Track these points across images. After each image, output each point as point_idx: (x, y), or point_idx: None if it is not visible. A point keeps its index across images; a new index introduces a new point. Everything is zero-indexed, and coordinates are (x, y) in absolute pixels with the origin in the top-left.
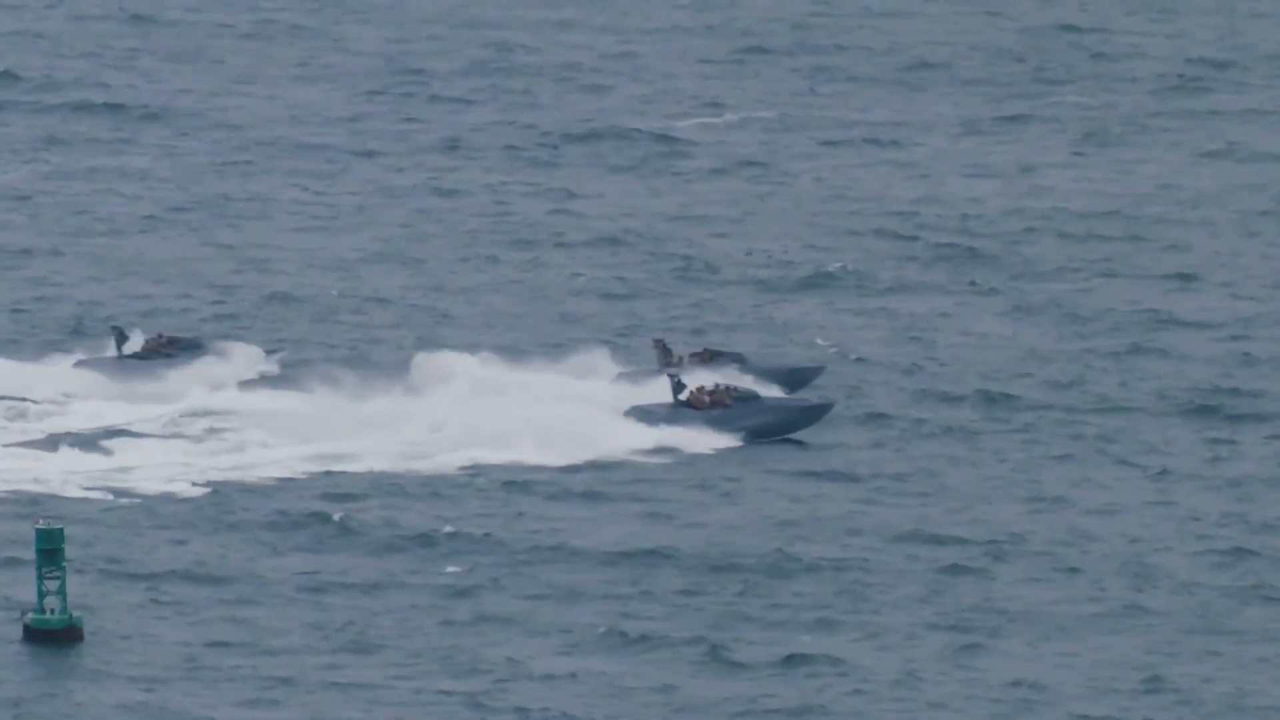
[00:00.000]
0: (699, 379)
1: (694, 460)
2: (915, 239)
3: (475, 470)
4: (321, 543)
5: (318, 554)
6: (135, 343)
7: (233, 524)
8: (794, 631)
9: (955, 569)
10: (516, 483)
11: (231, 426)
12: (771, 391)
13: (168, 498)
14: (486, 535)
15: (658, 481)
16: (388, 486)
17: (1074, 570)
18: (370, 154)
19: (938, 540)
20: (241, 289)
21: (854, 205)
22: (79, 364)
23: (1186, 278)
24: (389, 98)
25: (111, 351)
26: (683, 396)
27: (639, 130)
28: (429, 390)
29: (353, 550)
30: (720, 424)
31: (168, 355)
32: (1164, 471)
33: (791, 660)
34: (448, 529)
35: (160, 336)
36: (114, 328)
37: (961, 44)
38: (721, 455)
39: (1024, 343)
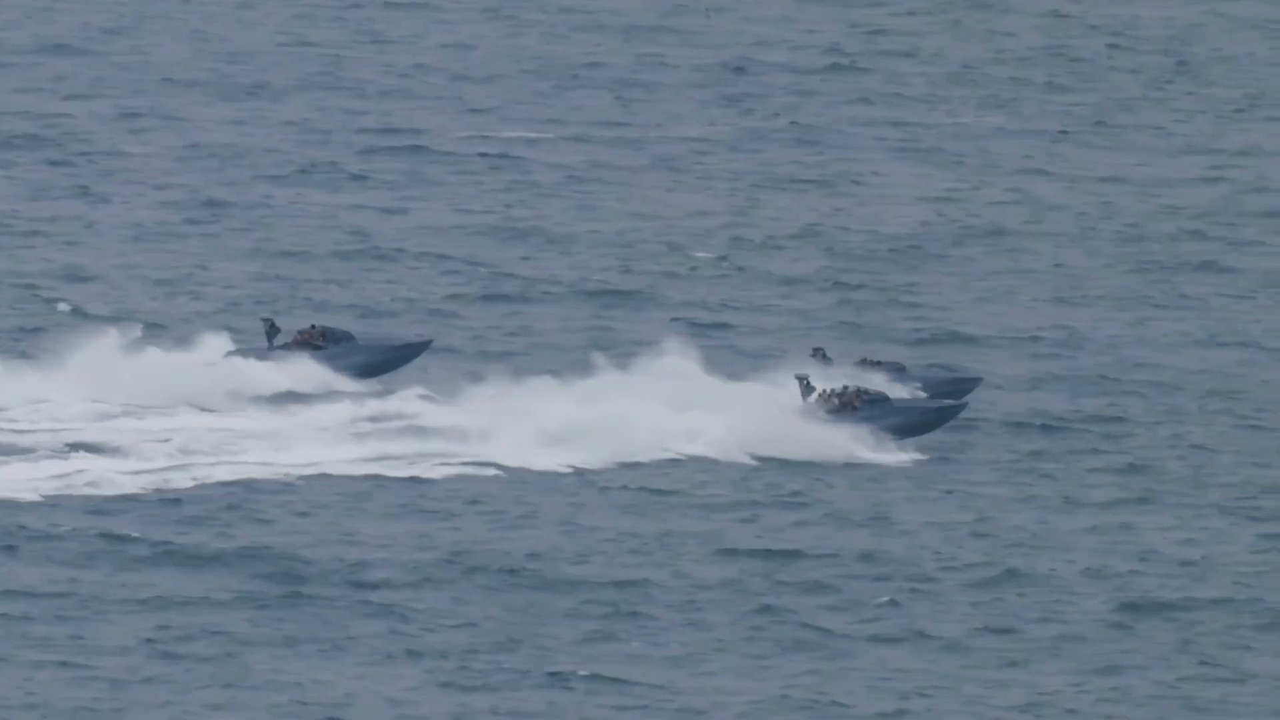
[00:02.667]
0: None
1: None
2: (723, 257)
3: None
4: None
5: None
6: (286, 335)
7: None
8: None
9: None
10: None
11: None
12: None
13: None
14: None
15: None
16: None
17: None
18: None
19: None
20: None
21: (658, 223)
22: (229, 354)
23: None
24: None
25: (262, 343)
26: (811, 398)
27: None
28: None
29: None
30: (846, 427)
31: (316, 348)
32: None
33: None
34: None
35: (313, 328)
36: (264, 319)
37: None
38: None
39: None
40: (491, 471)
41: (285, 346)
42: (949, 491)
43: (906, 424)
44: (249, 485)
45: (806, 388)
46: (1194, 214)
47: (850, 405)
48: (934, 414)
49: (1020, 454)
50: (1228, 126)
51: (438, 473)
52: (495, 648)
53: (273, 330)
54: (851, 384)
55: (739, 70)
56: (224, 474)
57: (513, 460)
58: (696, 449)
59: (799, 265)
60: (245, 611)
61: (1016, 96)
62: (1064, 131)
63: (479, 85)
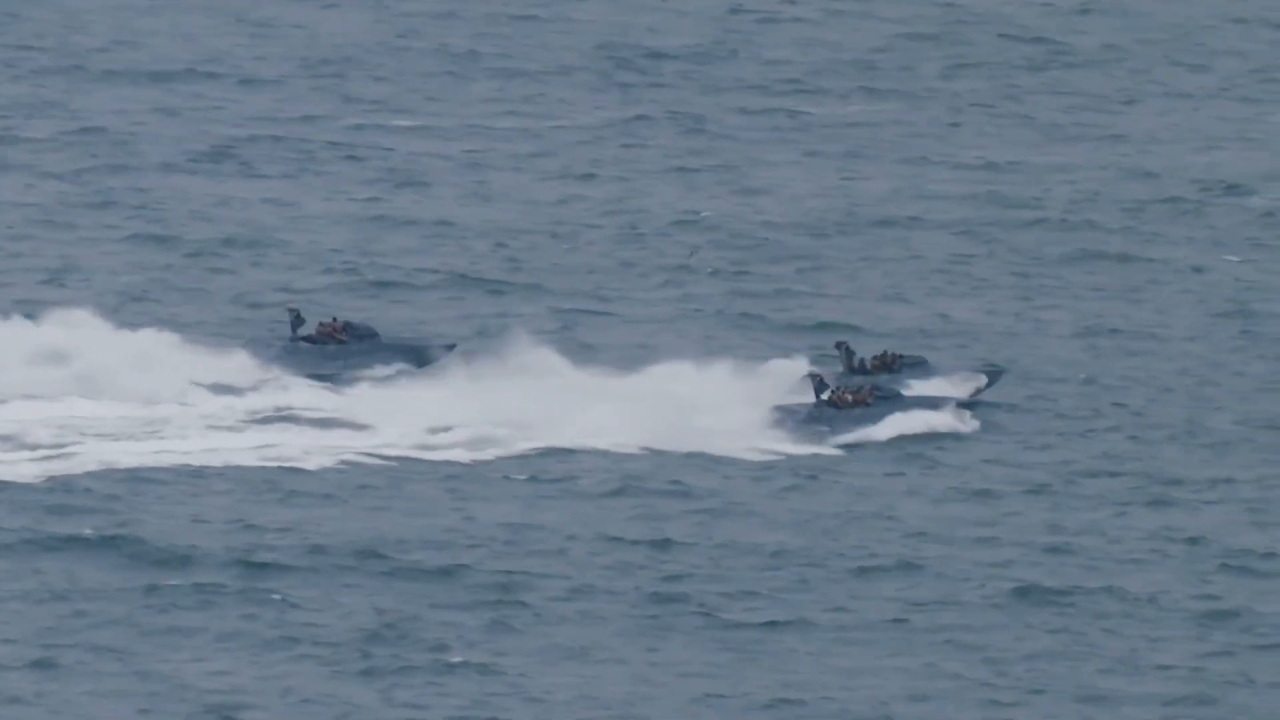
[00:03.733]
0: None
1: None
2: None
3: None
4: None
5: None
6: (310, 326)
7: None
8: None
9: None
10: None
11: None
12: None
13: None
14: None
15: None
16: None
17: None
18: None
19: None
20: None
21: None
22: (247, 343)
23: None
24: None
25: (286, 333)
26: (825, 396)
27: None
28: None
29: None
30: (859, 423)
31: (340, 341)
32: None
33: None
34: None
35: (334, 321)
36: (290, 309)
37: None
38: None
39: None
40: (380, 462)
41: (308, 338)
42: (837, 481)
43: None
44: (139, 474)
45: (820, 385)
46: (1082, 203)
47: (863, 402)
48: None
49: (910, 444)
50: (1116, 115)
51: (328, 462)
52: (385, 637)
53: (297, 320)
54: (867, 383)
55: (624, 58)
56: (115, 461)
57: (402, 451)
58: (586, 440)
59: (684, 255)
60: (132, 601)
61: (905, 86)
62: (954, 125)
63: (364, 74)
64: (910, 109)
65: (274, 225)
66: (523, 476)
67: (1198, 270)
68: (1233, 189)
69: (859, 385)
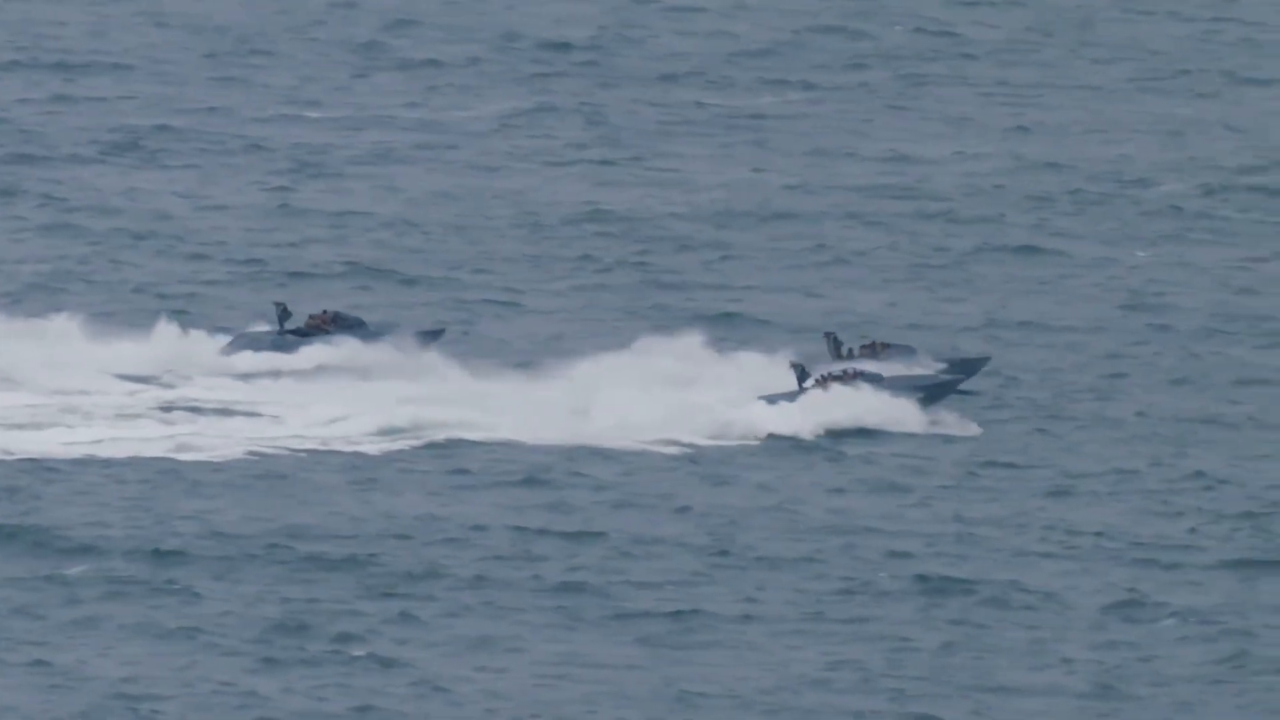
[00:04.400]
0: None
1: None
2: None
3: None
4: None
5: None
6: (299, 319)
7: None
8: None
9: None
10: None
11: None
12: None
13: None
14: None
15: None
16: None
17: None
18: None
19: None
20: None
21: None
22: (236, 338)
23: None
24: None
25: (274, 326)
26: (807, 384)
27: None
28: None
29: None
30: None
31: (328, 333)
32: None
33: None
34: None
35: (325, 313)
36: (276, 303)
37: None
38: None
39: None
40: (288, 452)
41: (297, 331)
42: (747, 474)
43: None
44: (43, 463)
45: (802, 373)
46: (988, 195)
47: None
48: (928, 390)
49: (817, 436)
50: (1023, 107)
51: (235, 452)
52: (289, 628)
53: (285, 314)
54: (851, 367)
55: (529, 49)
56: (20, 450)
57: (311, 442)
58: (496, 432)
59: (591, 246)
60: (35, 590)
61: (812, 77)
62: (868, 120)
63: (271, 65)
64: (817, 100)
65: (181, 215)
66: (431, 468)
67: (1104, 263)
68: (1139, 181)
69: (840, 370)
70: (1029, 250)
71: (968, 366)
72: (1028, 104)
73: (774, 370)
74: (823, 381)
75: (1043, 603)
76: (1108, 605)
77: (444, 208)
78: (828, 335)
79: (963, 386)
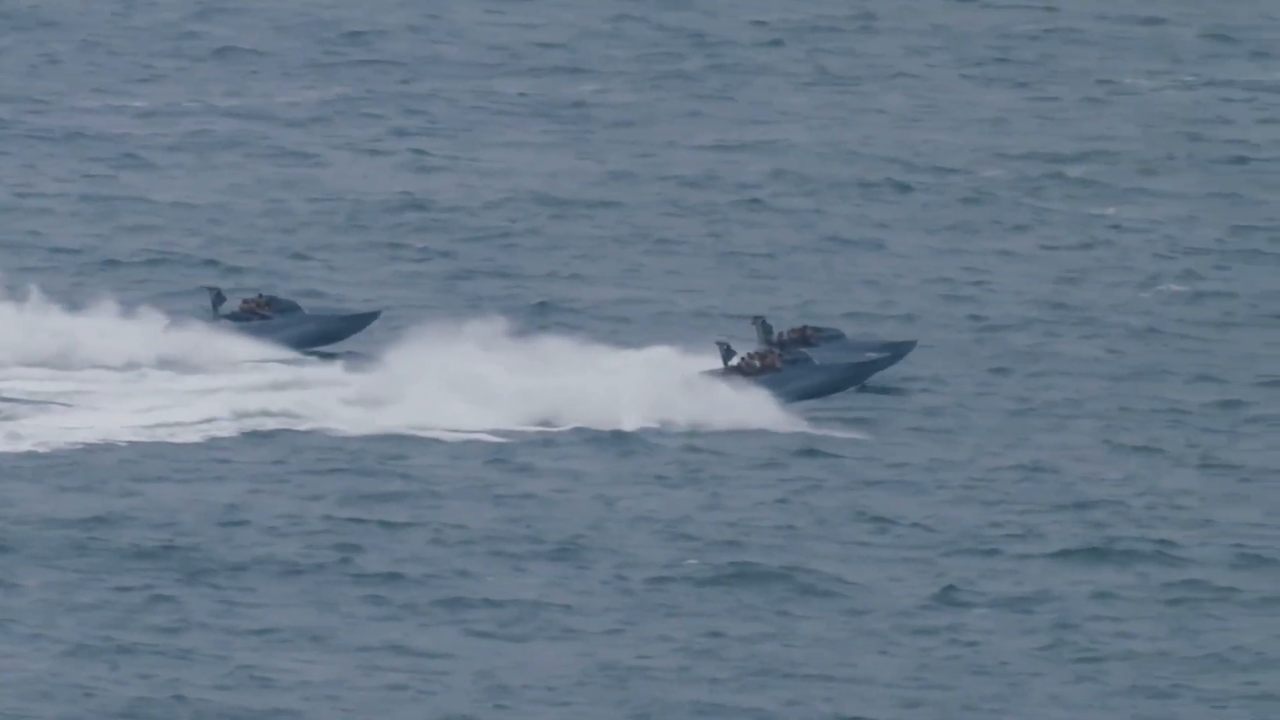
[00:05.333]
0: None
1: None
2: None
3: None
4: None
5: None
6: (233, 303)
7: None
8: None
9: None
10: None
11: None
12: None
13: None
14: None
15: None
16: None
17: None
18: None
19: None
20: None
21: (259, 196)
22: (170, 324)
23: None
24: None
25: (208, 312)
26: (733, 362)
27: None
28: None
29: None
30: (768, 387)
31: (264, 317)
32: None
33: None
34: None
35: (259, 297)
36: (210, 288)
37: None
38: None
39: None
40: (105, 442)
41: (231, 315)
42: (556, 463)
43: (828, 381)
44: None
45: (727, 352)
46: (810, 184)
47: (772, 367)
48: (855, 369)
49: (643, 426)
50: (843, 96)
51: (51, 442)
52: (105, 618)
53: (219, 299)
54: (775, 348)
55: (345, 37)
56: None
57: (131, 433)
58: (316, 422)
59: (409, 235)
60: None
61: (630, 68)
62: (689, 109)
63: (87, 55)
64: (638, 89)
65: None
66: (253, 457)
67: (923, 253)
68: (958, 171)
69: (765, 351)
70: (847, 241)
71: (896, 349)
72: (847, 93)
73: (584, 358)
74: (747, 360)
75: (860, 592)
76: (927, 595)
77: (261, 196)
78: (757, 320)
79: (888, 370)
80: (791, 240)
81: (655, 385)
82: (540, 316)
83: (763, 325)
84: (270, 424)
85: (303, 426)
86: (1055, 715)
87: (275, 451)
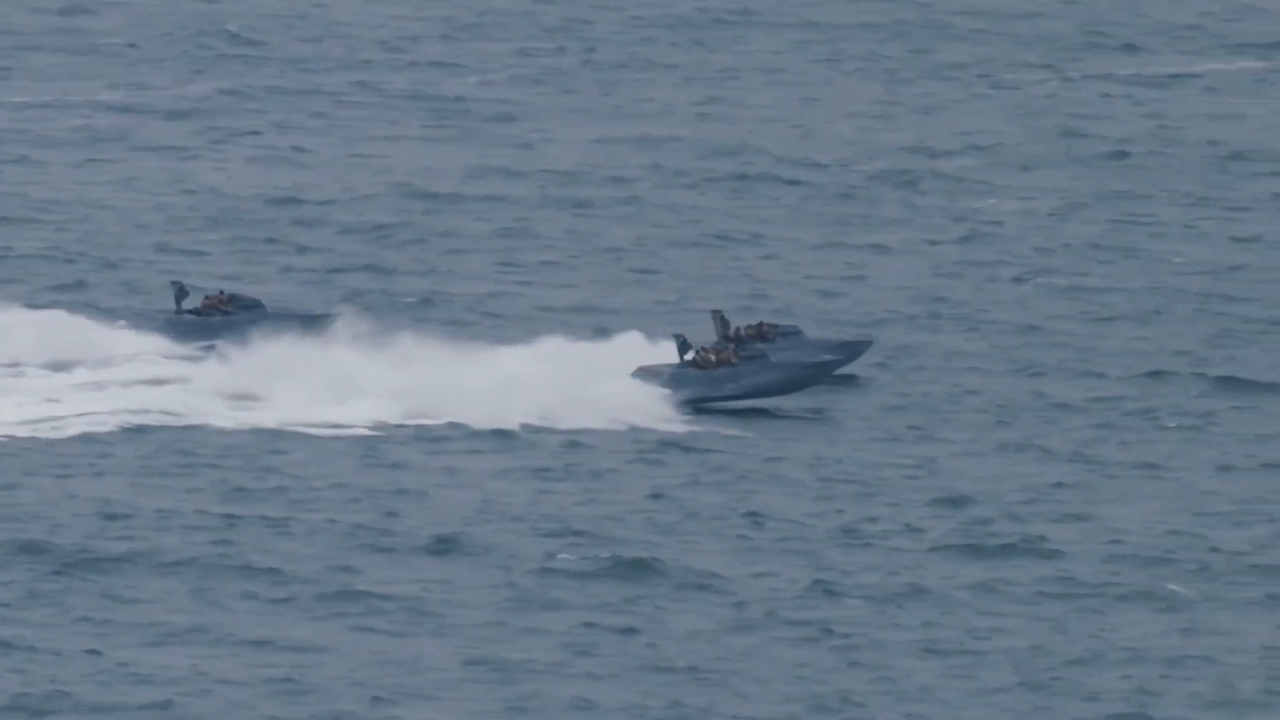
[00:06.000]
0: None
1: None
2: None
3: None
4: None
5: None
6: (195, 299)
7: None
8: None
9: None
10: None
11: None
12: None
13: None
14: None
15: None
16: None
17: None
18: None
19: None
20: None
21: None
22: (131, 318)
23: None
24: None
25: (170, 307)
26: (689, 357)
27: None
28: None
29: None
30: (721, 383)
31: (226, 313)
32: None
33: None
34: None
35: (221, 294)
36: (174, 282)
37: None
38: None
39: None
40: None
41: (194, 311)
42: (401, 464)
43: (784, 379)
44: None
45: (683, 346)
46: (684, 178)
47: (728, 362)
48: (811, 369)
49: (525, 424)
50: (724, 90)
51: None
52: None
53: (181, 294)
54: (730, 343)
55: (225, 35)
56: None
57: (11, 428)
58: (189, 417)
59: (287, 231)
60: None
61: (513, 60)
62: (573, 108)
63: None
64: (515, 83)
65: None
66: (129, 453)
67: (789, 249)
68: (819, 165)
69: (722, 346)
70: (724, 235)
71: (851, 349)
72: (724, 87)
73: (461, 352)
74: (704, 355)
75: (736, 586)
76: (802, 588)
77: (138, 191)
78: (715, 314)
79: (845, 370)
80: (668, 235)
81: (536, 380)
82: (417, 310)
83: (720, 319)
84: (149, 420)
85: (181, 423)
86: (930, 709)
87: (153, 447)
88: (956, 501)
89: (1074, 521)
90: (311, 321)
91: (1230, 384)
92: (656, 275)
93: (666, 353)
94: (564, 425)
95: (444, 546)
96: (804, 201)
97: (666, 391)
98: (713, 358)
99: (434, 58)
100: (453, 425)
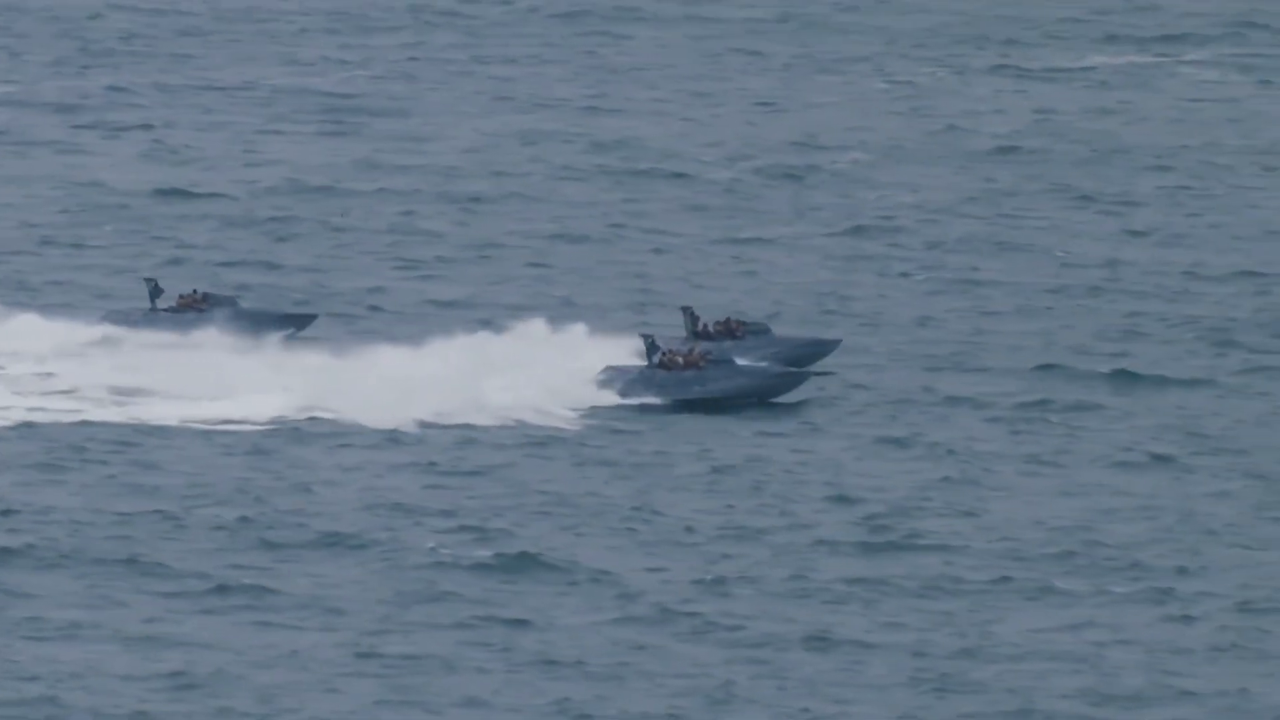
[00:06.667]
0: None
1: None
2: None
3: None
4: None
5: None
6: (170, 297)
7: None
8: None
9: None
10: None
11: None
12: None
13: None
14: None
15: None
16: None
17: None
18: None
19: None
20: None
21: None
22: (107, 315)
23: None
24: None
25: (145, 304)
26: (656, 358)
27: None
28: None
29: None
30: (688, 385)
31: (200, 310)
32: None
33: None
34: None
35: (195, 292)
36: (147, 280)
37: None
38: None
39: None
40: None
41: (169, 309)
42: (294, 461)
43: (751, 387)
44: None
45: (651, 347)
46: (565, 175)
47: (695, 365)
48: (779, 379)
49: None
50: (611, 86)
51: None
52: None
53: (156, 291)
54: (698, 345)
55: (91, 28)
56: None
57: None
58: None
59: (163, 227)
60: None
61: (398, 56)
62: (459, 103)
63: None
64: (402, 78)
65: None
66: (18, 450)
67: (677, 244)
68: (705, 162)
69: (690, 348)
70: (612, 229)
71: (820, 347)
72: (610, 83)
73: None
74: (671, 357)
75: (625, 581)
76: (691, 584)
77: (19, 187)
78: (685, 310)
79: (815, 367)
80: (556, 229)
81: (431, 376)
82: (306, 305)
83: (690, 315)
84: (40, 416)
85: (71, 419)
86: (818, 704)
87: (44, 443)
88: (846, 497)
89: (963, 517)
90: (286, 320)
91: (1119, 378)
92: (546, 269)
93: (571, 342)
94: (456, 420)
95: (333, 540)
96: (694, 195)
97: (633, 392)
98: (680, 360)
99: (321, 53)
100: (344, 421)
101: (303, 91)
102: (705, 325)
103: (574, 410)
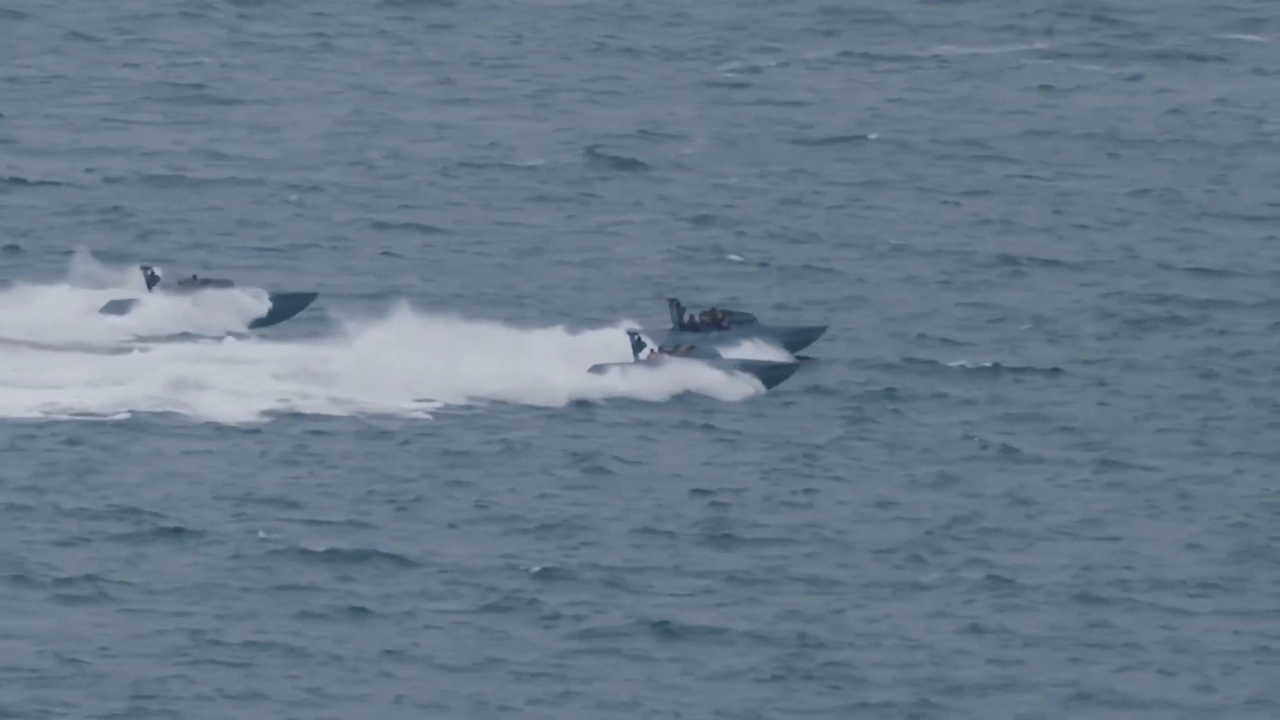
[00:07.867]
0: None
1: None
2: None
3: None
4: None
5: None
6: (167, 282)
7: None
8: None
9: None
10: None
11: None
12: (774, 350)
13: None
14: None
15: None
16: None
17: None
18: None
19: None
20: None
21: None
22: (106, 305)
23: None
24: None
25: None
26: (642, 355)
27: None
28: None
29: None
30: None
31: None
32: None
33: None
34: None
35: (194, 278)
36: (143, 267)
37: None
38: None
39: None
40: None
41: (168, 289)
42: (107, 448)
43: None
44: None
45: (638, 343)
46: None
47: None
48: (767, 371)
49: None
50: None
51: None
52: None
53: (152, 278)
54: (685, 342)
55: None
56: None
57: None
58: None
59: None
60: None
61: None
62: (311, 94)
63: None
64: (254, 68)
65: None
66: None
67: (521, 235)
68: (547, 152)
69: (677, 344)
70: (458, 221)
71: (805, 335)
72: (454, 72)
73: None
74: (656, 354)
75: (467, 571)
76: (528, 575)
77: None
78: (671, 301)
79: (799, 353)
80: (403, 219)
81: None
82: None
83: (675, 306)
84: None
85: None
86: (649, 694)
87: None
88: (700, 490)
89: (804, 508)
90: (292, 300)
91: (964, 368)
92: (395, 261)
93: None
94: (308, 411)
95: (178, 531)
96: (539, 185)
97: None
98: (668, 356)
99: (171, 41)
100: (187, 412)
101: (153, 82)
102: (691, 317)
103: (406, 399)
